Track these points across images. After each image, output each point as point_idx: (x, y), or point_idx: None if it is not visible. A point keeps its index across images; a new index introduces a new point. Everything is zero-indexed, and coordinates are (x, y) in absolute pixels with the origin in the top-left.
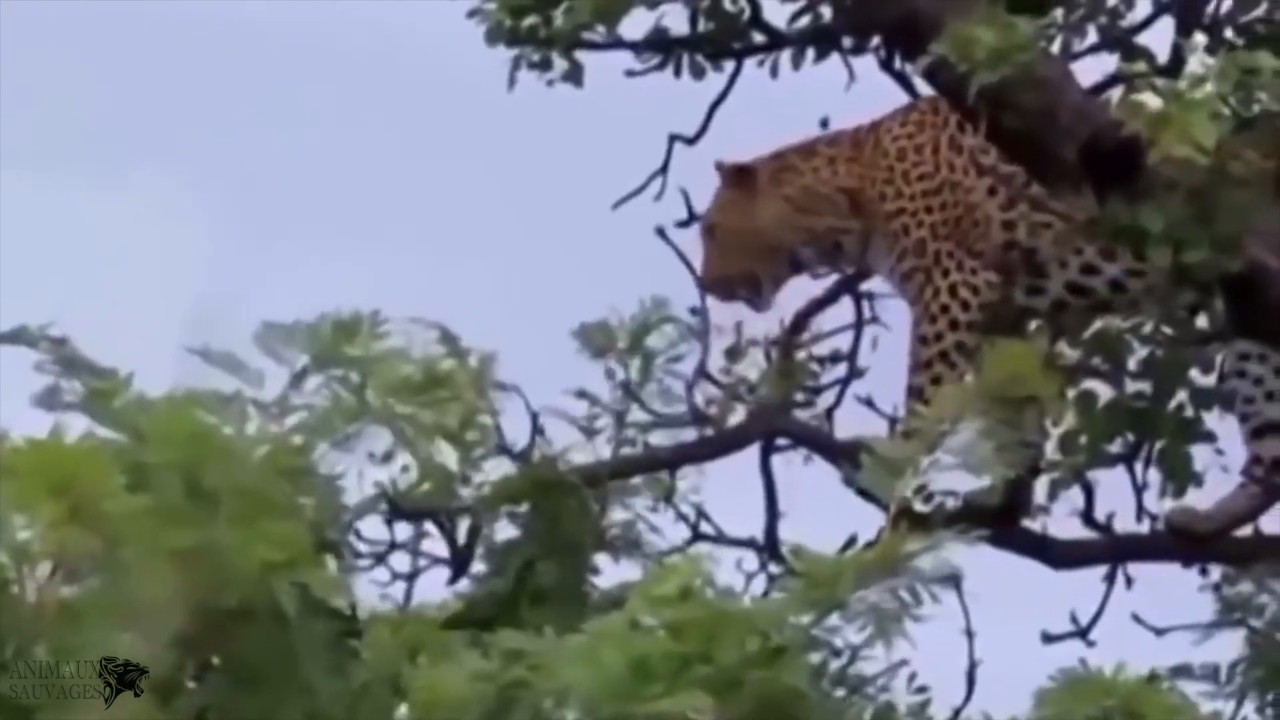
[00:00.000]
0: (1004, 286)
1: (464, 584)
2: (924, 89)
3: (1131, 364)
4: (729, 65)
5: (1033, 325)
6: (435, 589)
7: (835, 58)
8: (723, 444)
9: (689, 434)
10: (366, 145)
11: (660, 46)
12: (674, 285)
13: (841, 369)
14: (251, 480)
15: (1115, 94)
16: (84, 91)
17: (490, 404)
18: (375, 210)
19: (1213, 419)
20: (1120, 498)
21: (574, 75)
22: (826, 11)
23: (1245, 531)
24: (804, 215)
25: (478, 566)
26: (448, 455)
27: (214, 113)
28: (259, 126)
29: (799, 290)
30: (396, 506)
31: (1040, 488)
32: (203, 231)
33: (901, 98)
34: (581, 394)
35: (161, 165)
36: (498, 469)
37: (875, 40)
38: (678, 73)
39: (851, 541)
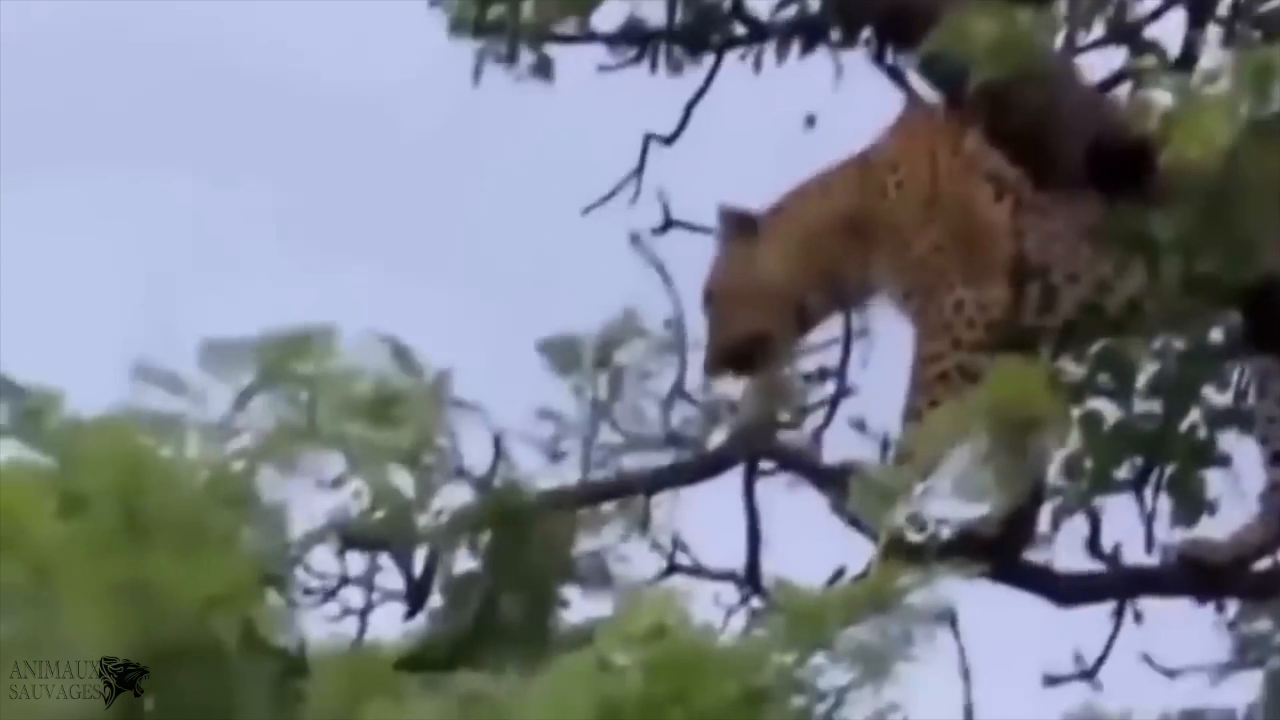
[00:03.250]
0: (1013, 303)
1: (421, 619)
2: (919, 86)
3: (1140, 381)
4: (708, 59)
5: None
6: (390, 625)
7: (823, 51)
8: (701, 468)
9: (665, 457)
10: (318, 153)
11: (635, 39)
12: (651, 296)
13: (830, 387)
14: (191, 508)
15: (1123, 91)
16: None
17: (447, 424)
18: (329, 224)
19: (1229, 441)
20: (1128, 527)
21: (543, 70)
22: (813, 2)
23: (1264, 564)
24: (810, 257)
25: (435, 600)
26: (403, 480)
27: (160, 126)
28: (209, 141)
29: None
30: (348, 536)
31: (1043, 516)
32: (141, 251)
33: (893, 94)
34: (546, 414)
35: (85, 170)
36: (457, 495)
37: (866, 32)
38: (654, 67)
39: (839, 574)
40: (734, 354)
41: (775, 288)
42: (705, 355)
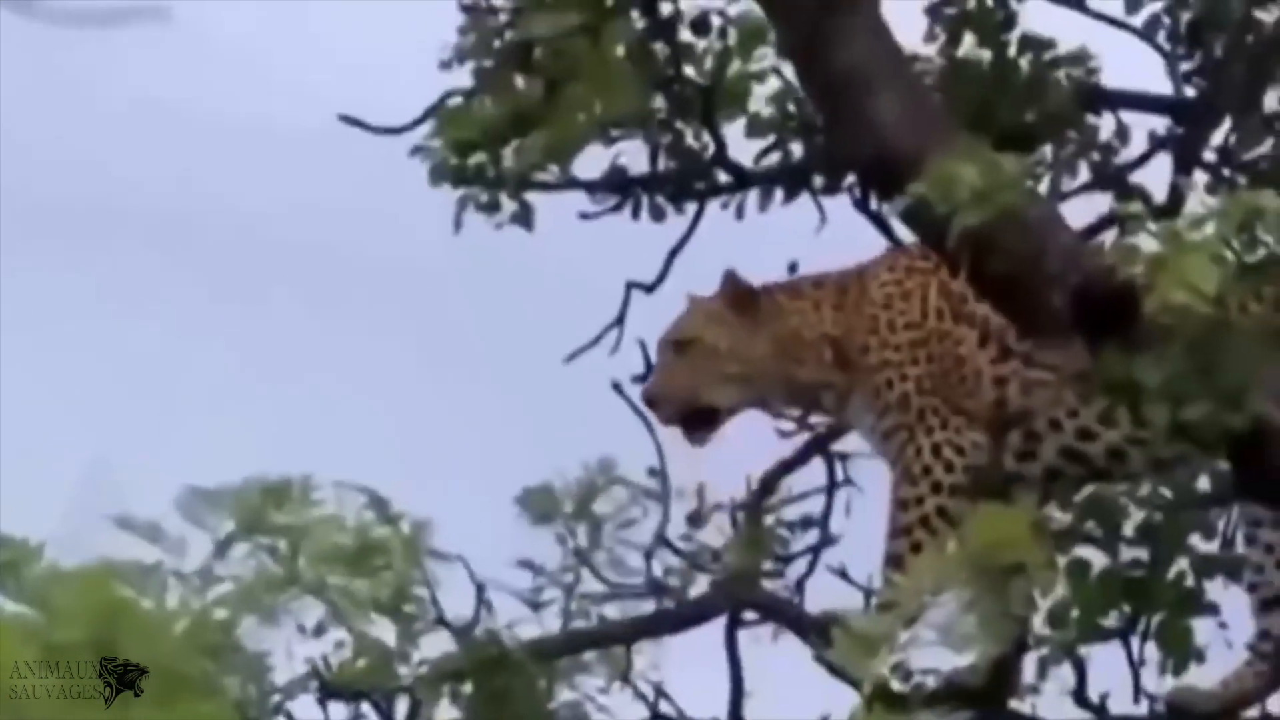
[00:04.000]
0: (992, 449)
1: None
2: (902, 231)
3: (1127, 529)
4: (691, 207)
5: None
6: None
7: (806, 198)
8: (684, 618)
9: (646, 606)
10: (287, 293)
11: (617, 187)
12: (631, 445)
13: (813, 536)
14: (171, 657)
15: (1109, 236)
16: None
17: (426, 574)
18: (298, 368)
19: (1216, 589)
20: (1115, 676)
21: (524, 217)
22: (796, 148)
23: (1253, 713)
24: (787, 361)
25: None
26: (385, 630)
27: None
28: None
29: (767, 450)
30: (329, 685)
31: (1028, 665)
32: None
33: (877, 241)
34: (526, 564)
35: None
36: (438, 644)
37: (849, 179)
38: (636, 214)
39: None
40: (685, 410)
41: (751, 373)
42: (653, 388)
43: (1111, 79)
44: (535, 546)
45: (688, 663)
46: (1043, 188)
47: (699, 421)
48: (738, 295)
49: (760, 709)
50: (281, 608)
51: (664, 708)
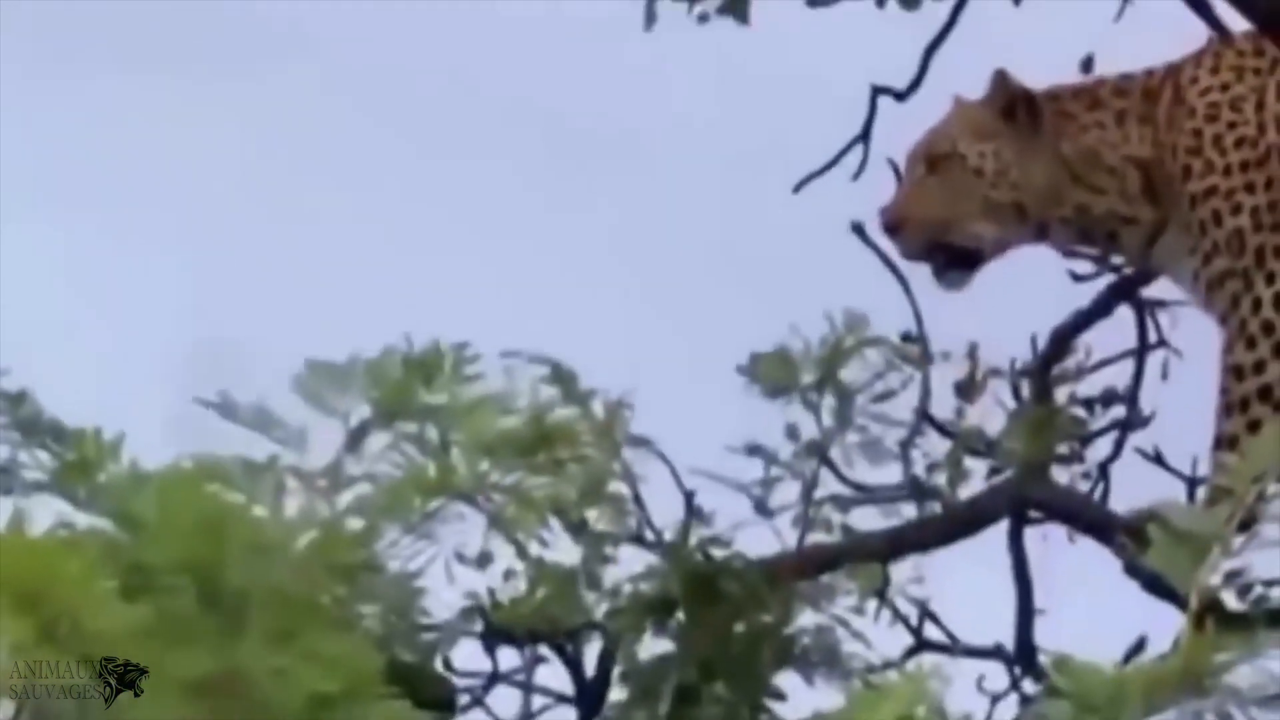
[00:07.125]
0: None
1: None
2: (1229, 16)
3: None
4: None
5: None
6: None
7: None
8: (954, 524)
9: (907, 509)
10: (448, 126)
11: None
12: (877, 300)
13: (1119, 411)
14: (292, 581)
15: None
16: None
17: (626, 468)
18: (452, 210)
19: None
20: None
21: (737, 7)
22: None
23: None
24: (1079, 186)
25: (616, 698)
26: (567, 547)
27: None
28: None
29: (1056, 298)
30: (498, 623)
31: None
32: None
33: (1195, 26)
34: (754, 451)
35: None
36: (638, 562)
37: None
38: (882, 1)
39: (1139, 648)
40: (934, 243)
41: (1027, 201)
42: (896, 211)
43: None
44: (761, 431)
45: (960, 574)
46: None
47: (954, 259)
48: (1011, 100)
49: (1055, 632)
50: (434, 515)
51: (931, 633)
